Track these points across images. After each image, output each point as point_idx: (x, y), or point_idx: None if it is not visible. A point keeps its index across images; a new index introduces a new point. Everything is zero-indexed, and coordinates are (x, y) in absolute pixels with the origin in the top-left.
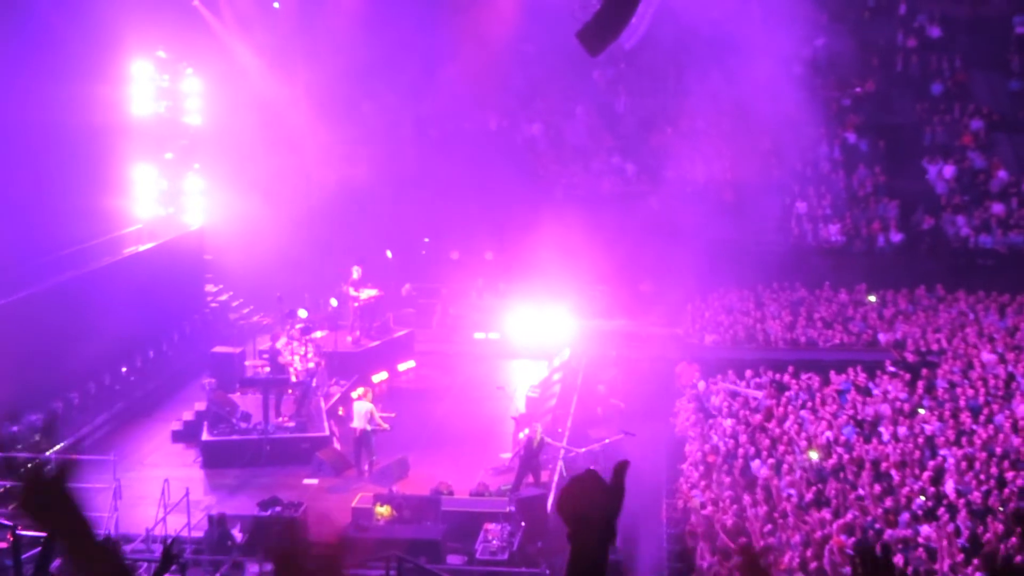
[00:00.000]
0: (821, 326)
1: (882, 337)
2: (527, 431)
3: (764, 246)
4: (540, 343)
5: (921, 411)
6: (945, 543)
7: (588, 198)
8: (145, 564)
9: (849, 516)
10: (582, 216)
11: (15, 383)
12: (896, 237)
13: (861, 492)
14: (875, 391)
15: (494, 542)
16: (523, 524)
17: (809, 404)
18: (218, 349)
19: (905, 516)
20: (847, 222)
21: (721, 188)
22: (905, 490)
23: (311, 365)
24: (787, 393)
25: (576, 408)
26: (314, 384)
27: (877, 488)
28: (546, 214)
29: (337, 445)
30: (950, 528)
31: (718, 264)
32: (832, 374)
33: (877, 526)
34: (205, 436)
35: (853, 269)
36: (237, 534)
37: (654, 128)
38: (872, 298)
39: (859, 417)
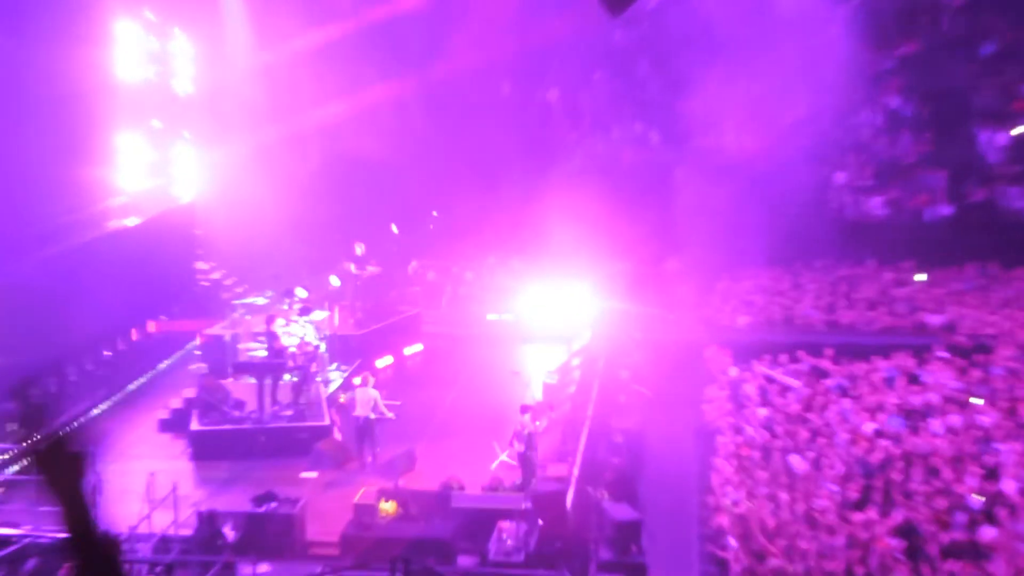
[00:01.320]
0: (864, 307)
1: (931, 319)
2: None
3: (800, 220)
4: (558, 325)
5: (975, 401)
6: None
7: (608, 169)
8: (127, 566)
9: (898, 516)
10: (602, 188)
11: None
12: (945, 210)
13: (910, 489)
14: (924, 378)
15: (509, 542)
16: (540, 522)
17: (851, 392)
18: (209, 331)
19: (960, 517)
20: (891, 194)
21: (753, 158)
22: (959, 488)
23: (310, 349)
24: (827, 380)
25: (597, 396)
26: (313, 369)
27: (927, 485)
28: (563, 186)
29: (338, 436)
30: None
31: (750, 240)
32: (876, 359)
33: (928, 527)
34: (194, 425)
35: (898, 245)
36: (229, 532)
37: (679, 93)
38: (920, 276)
39: (907, 407)
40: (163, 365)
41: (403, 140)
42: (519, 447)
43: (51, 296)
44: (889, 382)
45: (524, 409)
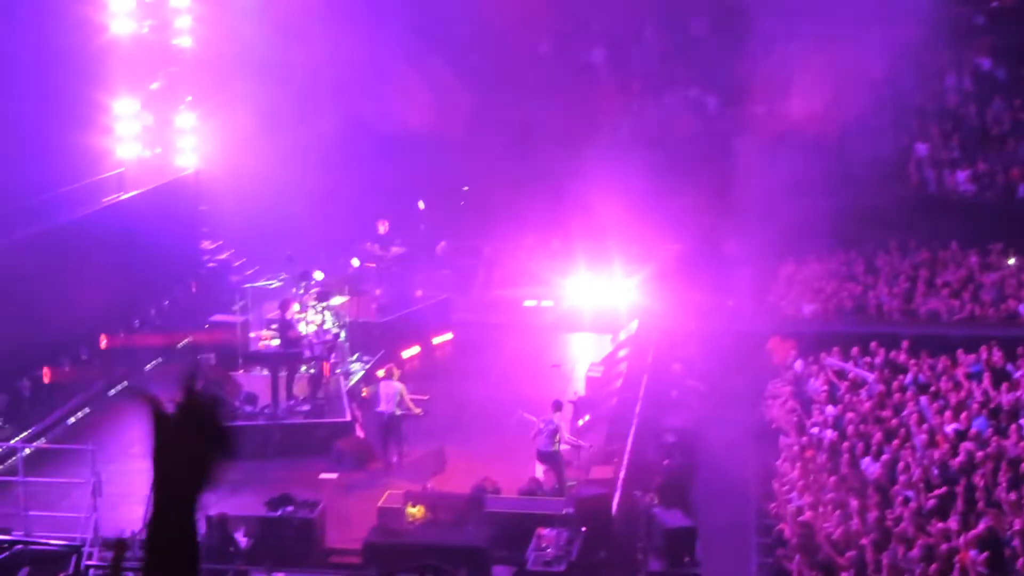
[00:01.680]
0: (946, 295)
1: (1022, 309)
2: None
3: (876, 198)
4: (603, 313)
5: None
6: None
7: (660, 138)
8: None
9: (981, 526)
10: (652, 160)
11: None
12: None
13: (996, 496)
14: (1015, 375)
15: (549, 550)
16: (583, 529)
17: (931, 389)
18: (217, 318)
19: None
20: (979, 168)
21: (823, 127)
22: None
23: (328, 338)
24: (904, 376)
25: (646, 391)
26: (332, 360)
27: (1015, 492)
28: (609, 159)
29: (360, 433)
30: None
31: (819, 220)
32: (960, 353)
33: (1016, 540)
34: None
35: (986, 225)
36: (241, 538)
37: (740, 52)
38: (1011, 261)
39: (993, 406)
40: (165, 356)
41: (430, 105)
42: (557, 446)
43: (40, 278)
44: (974, 378)
45: (557, 405)
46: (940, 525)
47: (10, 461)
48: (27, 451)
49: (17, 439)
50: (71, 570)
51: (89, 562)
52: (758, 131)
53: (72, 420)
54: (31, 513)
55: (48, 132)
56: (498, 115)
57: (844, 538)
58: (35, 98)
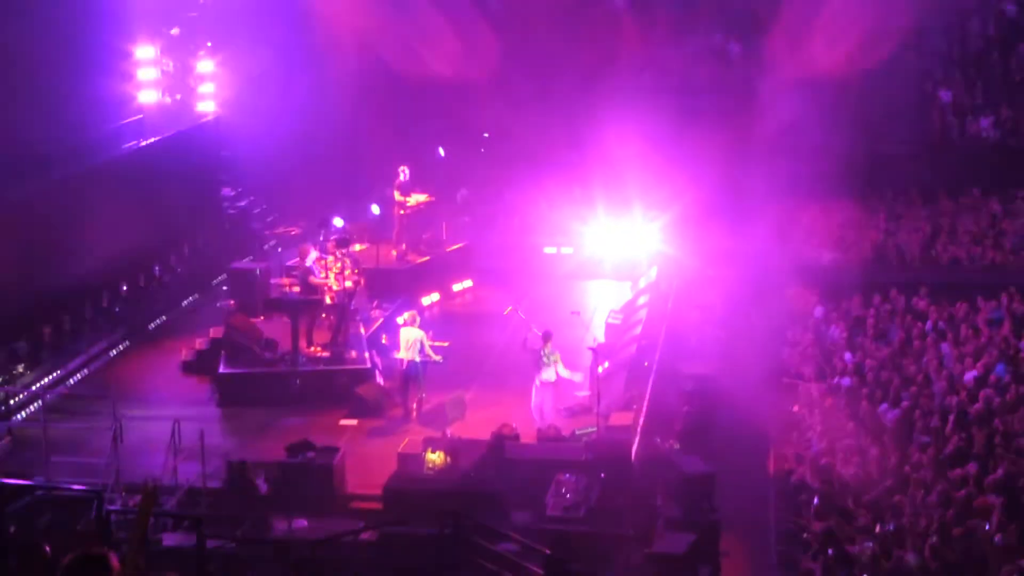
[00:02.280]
0: (968, 242)
1: None
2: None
3: (898, 145)
4: (623, 260)
5: None
6: None
7: (682, 86)
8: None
9: (999, 472)
10: (675, 107)
11: None
12: None
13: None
14: None
15: (568, 496)
16: (602, 475)
17: (950, 336)
18: (237, 265)
19: None
20: (1003, 114)
21: (847, 73)
22: None
23: (349, 284)
24: (924, 323)
25: (666, 338)
26: (352, 307)
27: None
28: (631, 105)
29: (380, 380)
30: None
31: (841, 166)
32: (980, 300)
33: None
34: (222, 368)
35: (1010, 172)
36: (261, 484)
37: None
38: None
39: (1013, 352)
40: (187, 302)
41: (451, 51)
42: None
43: (62, 224)
44: (994, 325)
45: (547, 336)
46: (958, 471)
47: (32, 407)
48: (48, 397)
49: (38, 385)
50: (93, 515)
51: (111, 507)
52: (781, 77)
53: (94, 366)
54: (52, 459)
55: (65, 79)
56: (520, 62)
57: (862, 483)
58: (56, 46)
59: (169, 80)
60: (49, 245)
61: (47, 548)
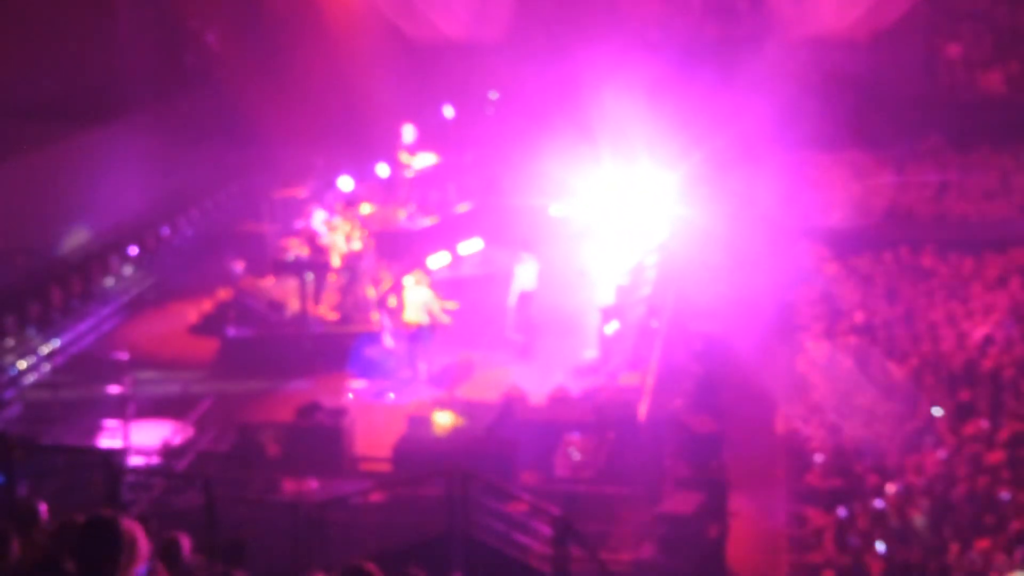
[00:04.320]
0: (978, 197)
1: None
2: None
3: (906, 99)
4: (631, 220)
5: None
6: None
7: (688, 44)
8: (162, 482)
9: (1006, 430)
10: (680, 65)
11: (3, 269)
12: None
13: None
14: None
15: (576, 456)
16: (611, 436)
17: (960, 292)
18: (245, 227)
19: None
20: (1012, 68)
21: (853, 27)
22: None
23: (357, 246)
24: (932, 279)
25: (675, 298)
26: (361, 269)
27: None
28: (638, 63)
29: (389, 341)
30: None
31: (848, 121)
32: (989, 256)
33: None
34: (231, 331)
35: (1020, 127)
36: (271, 446)
37: None
38: None
39: (1022, 310)
40: (195, 265)
41: (456, 10)
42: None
43: (69, 185)
44: (1002, 281)
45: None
46: (966, 428)
47: (42, 369)
48: (58, 360)
49: (49, 347)
50: (102, 477)
51: (121, 469)
52: (788, 34)
53: (103, 329)
54: (63, 421)
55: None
56: (521, 17)
57: (870, 441)
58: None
59: None
60: (56, 205)
61: (43, 508)
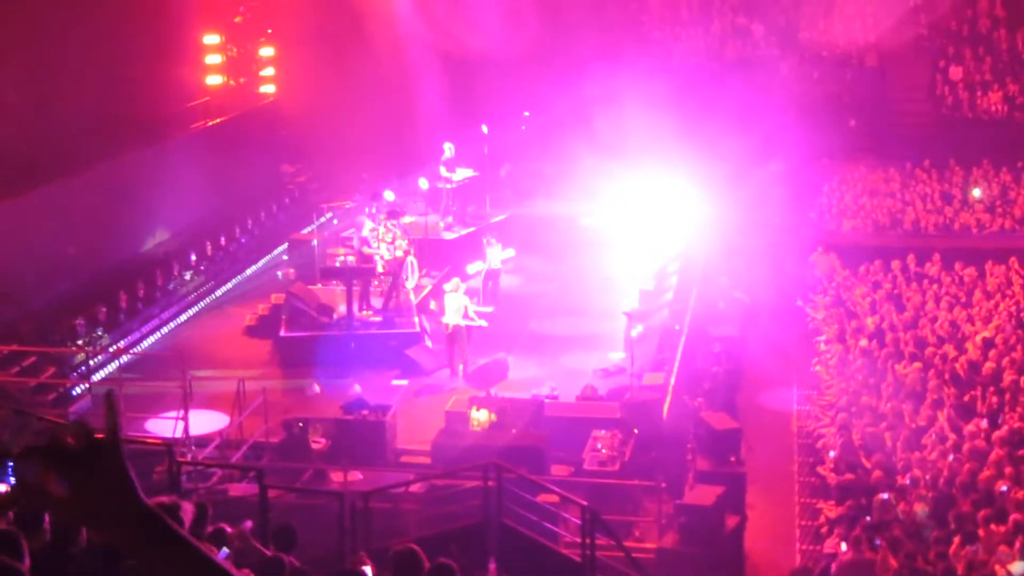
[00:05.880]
0: (980, 209)
1: None
2: None
3: (912, 118)
4: (655, 229)
5: None
6: None
7: (708, 66)
8: (219, 471)
9: (1004, 430)
10: (701, 86)
11: (75, 274)
12: None
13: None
14: None
15: (603, 451)
16: (635, 432)
17: (963, 300)
18: (297, 236)
19: None
20: (1010, 89)
21: (863, 52)
22: None
23: (399, 254)
24: (937, 287)
25: (696, 303)
26: (403, 275)
27: None
28: (660, 83)
29: (428, 343)
30: None
31: (859, 139)
32: (990, 265)
33: None
34: (283, 332)
35: (1017, 144)
36: (318, 440)
37: None
38: None
39: (1023, 316)
40: (250, 271)
41: (491, 34)
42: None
43: (135, 197)
44: (1003, 289)
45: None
46: (969, 426)
47: (109, 368)
48: (124, 358)
49: (114, 347)
50: (164, 467)
51: (181, 460)
52: (802, 57)
53: (166, 329)
54: (127, 415)
55: (136, 65)
56: (551, 43)
57: (877, 438)
58: (123, 32)
59: (233, 65)
60: (123, 217)
61: None
